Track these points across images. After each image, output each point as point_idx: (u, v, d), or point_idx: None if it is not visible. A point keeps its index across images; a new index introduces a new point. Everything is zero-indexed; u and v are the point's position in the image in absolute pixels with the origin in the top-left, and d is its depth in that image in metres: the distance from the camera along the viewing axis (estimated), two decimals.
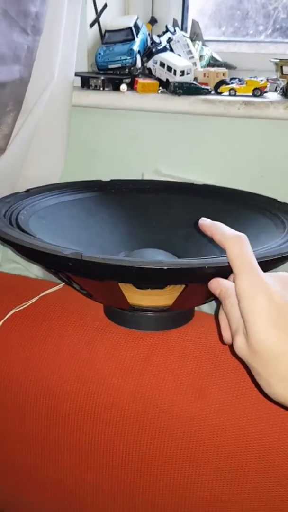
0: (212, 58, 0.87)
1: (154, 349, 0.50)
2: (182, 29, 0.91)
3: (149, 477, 0.49)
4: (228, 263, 0.36)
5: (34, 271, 0.68)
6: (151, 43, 0.81)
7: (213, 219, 0.59)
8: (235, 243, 0.36)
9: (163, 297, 0.50)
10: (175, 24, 0.90)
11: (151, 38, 0.81)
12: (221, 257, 0.43)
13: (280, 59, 0.67)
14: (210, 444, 0.46)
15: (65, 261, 0.40)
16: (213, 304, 0.57)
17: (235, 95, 0.69)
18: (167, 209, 0.63)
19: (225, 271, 0.39)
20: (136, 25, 0.79)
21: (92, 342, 0.52)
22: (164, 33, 0.84)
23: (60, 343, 0.53)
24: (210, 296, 0.48)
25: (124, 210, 0.63)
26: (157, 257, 0.54)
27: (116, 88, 0.73)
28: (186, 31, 0.91)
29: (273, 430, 0.45)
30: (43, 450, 0.54)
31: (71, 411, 0.51)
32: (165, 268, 0.38)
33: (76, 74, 0.74)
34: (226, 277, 0.43)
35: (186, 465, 0.48)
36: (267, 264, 0.41)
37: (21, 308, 0.56)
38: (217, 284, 0.38)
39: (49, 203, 0.59)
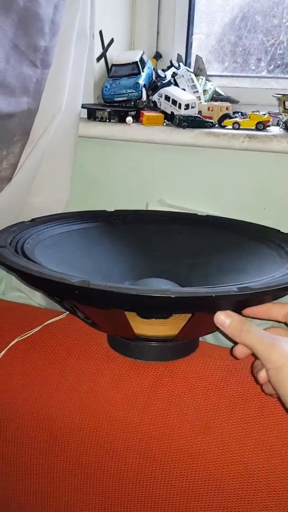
0: (215, 92, 0.89)
1: (159, 380, 0.50)
2: (186, 64, 0.94)
3: None
4: (235, 291, 0.38)
5: (37, 299, 0.68)
6: (156, 77, 0.83)
7: (217, 249, 0.60)
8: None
9: (167, 327, 0.50)
10: (179, 59, 0.93)
11: (156, 72, 0.84)
12: (228, 285, 0.43)
13: (283, 95, 0.69)
14: (215, 480, 0.45)
15: (72, 289, 0.40)
16: (217, 334, 0.57)
17: (238, 128, 0.71)
18: (171, 239, 0.64)
19: (233, 300, 0.39)
20: (141, 60, 0.82)
21: (96, 373, 0.52)
22: (168, 67, 0.86)
23: (63, 373, 0.52)
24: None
25: (128, 240, 0.63)
26: (162, 286, 0.54)
27: (122, 120, 0.75)
28: (189, 66, 0.94)
29: (280, 466, 0.44)
30: (43, 484, 0.53)
31: (73, 444, 0.50)
32: (173, 296, 0.38)
33: (83, 106, 0.76)
34: (233, 307, 0.43)
35: (191, 501, 0.47)
36: (272, 293, 0.42)
37: (25, 337, 0.56)
38: (227, 315, 0.41)
39: (55, 233, 0.59)
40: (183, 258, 0.61)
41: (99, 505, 0.50)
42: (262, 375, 0.41)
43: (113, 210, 0.68)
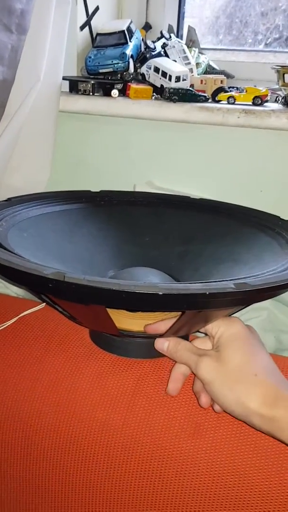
0: (209, 66, 0.85)
1: (144, 378, 0.47)
2: (177, 36, 0.89)
3: None
4: (232, 288, 0.36)
5: (13, 288, 0.64)
6: (145, 48, 0.79)
7: (211, 235, 0.57)
8: None
9: (154, 322, 0.46)
10: (170, 30, 0.88)
11: (145, 43, 0.79)
12: (222, 280, 0.39)
13: (282, 66, 0.65)
14: (206, 487, 0.42)
15: (45, 282, 0.36)
16: None
17: (234, 103, 0.66)
18: (161, 224, 0.60)
19: (229, 297, 0.35)
20: (129, 29, 0.77)
21: (75, 370, 0.48)
22: (158, 39, 0.82)
23: (40, 370, 0.49)
24: (207, 323, 0.44)
25: (114, 224, 0.60)
26: (149, 277, 0.50)
27: (107, 93, 0.70)
28: (181, 38, 0.90)
29: (274, 471, 0.41)
30: (16, 490, 0.49)
31: (49, 447, 0.47)
32: (161, 293, 0.34)
33: (64, 78, 0.71)
34: (228, 304, 0.40)
35: (180, 508, 0.43)
36: (272, 291, 0.38)
37: None
38: (164, 340, 0.44)
39: (32, 214, 0.55)
40: (174, 245, 0.58)
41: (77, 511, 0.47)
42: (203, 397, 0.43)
43: (98, 190, 0.64)
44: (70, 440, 0.46)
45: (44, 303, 0.56)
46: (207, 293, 0.35)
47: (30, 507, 0.49)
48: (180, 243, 0.58)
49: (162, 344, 0.44)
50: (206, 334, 0.44)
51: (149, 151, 0.73)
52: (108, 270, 0.55)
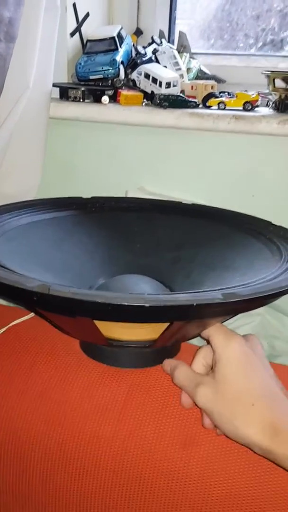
0: (200, 71, 0.85)
1: (135, 389, 0.46)
2: (168, 41, 0.89)
3: None
4: (220, 299, 0.35)
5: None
6: (136, 54, 0.79)
7: (203, 241, 0.56)
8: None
9: (145, 330, 0.46)
10: (161, 35, 0.88)
11: (136, 49, 0.79)
12: (212, 291, 0.39)
13: (272, 71, 0.65)
14: (198, 500, 0.42)
15: (29, 295, 0.35)
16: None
17: (224, 109, 0.66)
18: (153, 230, 0.60)
19: (216, 309, 0.35)
20: (119, 35, 0.77)
21: (65, 381, 0.47)
22: (149, 44, 0.82)
23: (29, 381, 0.48)
24: (198, 332, 0.44)
25: (105, 231, 0.59)
26: (140, 285, 0.50)
27: (97, 100, 0.70)
28: (173, 43, 0.90)
29: (268, 484, 0.41)
30: (6, 502, 0.49)
31: (39, 459, 0.46)
32: (147, 305, 0.34)
33: (54, 85, 0.71)
34: (216, 315, 0.39)
35: None
36: (265, 299, 0.37)
37: None
38: (168, 362, 0.45)
39: (21, 223, 0.55)
40: (166, 251, 0.57)
41: None
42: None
43: (89, 197, 0.64)
44: (60, 452, 0.45)
45: (33, 313, 0.55)
46: (194, 304, 0.34)
47: None
48: (172, 249, 0.57)
49: (166, 367, 0.45)
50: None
51: (141, 157, 0.73)
52: (98, 278, 0.54)
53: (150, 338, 0.45)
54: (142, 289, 0.50)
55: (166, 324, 0.45)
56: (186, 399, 0.43)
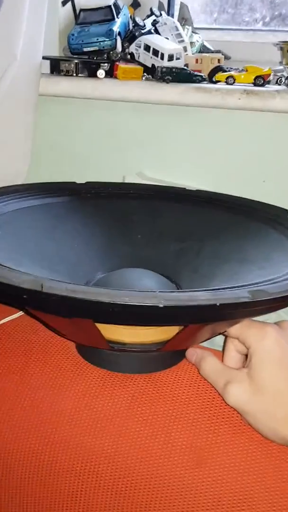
0: (203, 47, 0.80)
1: (139, 397, 0.42)
2: (168, 14, 0.84)
3: None
4: (248, 298, 0.31)
5: None
6: (134, 26, 0.74)
7: (211, 231, 0.52)
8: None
9: (152, 331, 0.41)
10: (160, 7, 0.84)
11: (134, 21, 0.74)
12: (235, 288, 0.34)
13: (286, 42, 0.60)
14: None
15: (18, 293, 0.30)
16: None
17: (233, 84, 0.61)
18: (155, 219, 0.56)
19: (242, 309, 0.30)
20: (116, 4, 0.73)
21: (60, 388, 0.43)
22: (148, 16, 0.78)
23: (19, 388, 0.44)
24: (215, 334, 0.39)
25: (102, 219, 0.55)
26: (144, 280, 0.45)
27: (92, 74, 0.65)
28: (172, 17, 0.85)
29: (286, 506, 0.36)
30: None
31: (30, 477, 0.42)
32: (161, 306, 0.29)
33: (45, 58, 0.66)
34: (241, 316, 0.35)
35: None
36: None
37: None
38: (193, 351, 0.42)
39: (8, 209, 0.50)
40: (170, 243, 0.53)
41: None
42: None
43: (83, 182, 0.60)
44: (53, 469, 0.41)
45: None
46: (218, 304, 0.29)
47: None
48: (177, 240, 0.53)
49: (191, 357, 0.42)
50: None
51: (140, 138, 0.69)
52: (96, 272, 0.49)
53: (157, 340, 0.41)
54: (147, 285, 0.45)
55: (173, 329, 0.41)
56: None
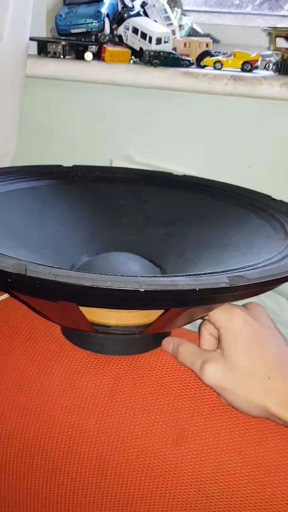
0: (192, 29, 0.80)
1: (122, 378, 0.43)
2: None
3: None
4: (226, 283, 0.32)
5: None
6: (122, 8, 0.73)
7: (196, 216, 0.52)
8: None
9: (134, 314, 0.42)
10: None
11: (122, 2, 0.73)
12: (214, 273, 0.35)
13: (274, 28, 0.60)
14: (191, 498, 0.39)
15: (2, 276, 0.31)
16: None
17: (220, 69, 0.61)
18: (141, 203, 0.56)
19: (221, 294, 0.31)
20: None
21: (44, 369, 0.44)
22: None
23: (4, 369, 0.44)
24: (196, 318, 0.40)
25: (88, 203, 0.55)
26: (128, 264, 0.46)
27: (80, 56, 0.65)
28: None
29: (266, 484, 0.38)
30: None
31: (16, 455, 0.43)
32: (142, 290, 0.30)
33: (32, 39, 0.65)
34: (220, 300, 0.36)
35: None
36: (274, 284, 0.34)
37: None
38: (170, 340, 0.43)
39: None
40: (155, 227, 0.54)
41: None
42: None
43: (70, 165, 0.59)
44: (39, 448, 0.42)
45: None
46: (197, 289, 0.30)
47: None
48: (162, 225, 0.54)
49: (168, 345, 0.43)
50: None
51: (127, 121, 0.68)
52: (81, 255, 0.50)
53: (140, 323, 0.42)
54: (131, 269, 0.46)
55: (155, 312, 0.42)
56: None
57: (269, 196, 0.53)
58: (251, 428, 0.39)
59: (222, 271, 0.35)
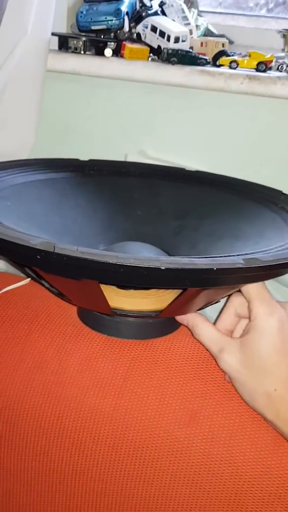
0: (208, 30, 0.80)
1: (137, 361, 0.44)
2: None
3: None
4: (242, 264, 0.33)
5: None
6: (141, 7, 0.74)
7: (208, 210, 0.53)
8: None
9: (149, 300, 0.43)
10: None
11: (141, 1, 0.74)
12: (230, 255, 0.36)
13: None
14: (202, 478, 0.40)
15: (32, 254, 0.32)
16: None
17: (236, 68, 0.62)
18: (155, 197, 0.57)
19: (237, 275, 0.32)
20: None
21: (63, 351, 0.45)
22: None
23: (23, 351, 0.46)
24: (210, 302, 0.41)
25: (104, 196, 0.56)
26: (144, 252, 0.47)
27: (100, 52, 0.66)
28: None
29: (272, 462, 0.39)
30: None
31: (33, 432, 0.44)
32: (163, 268, 0.31)
33: (53, 34, 0.66)
34: (235, 282, 0.37)
35: (171, 502, 0.41)
36: (286, 267, 0.35)
37: None
38: (184, 316, 0.42)
39: (16, 182, 0.51)
40: (168, 220, 0.55)
41: (62, 503, 0.45)
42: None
43: (87, 159, 0.60)
44: (56, 426, 0.43)
45: (29, 278, 0.52)
46: (215, 268, 0.31)
47: (12, 494, 0.47)
48: (175, 217, 0.55)
49: (182, 320, 0.43)
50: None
51: (144, 117, 0.69)
52: (98, 245, 0.51)
53: (154, 308, 0.43)
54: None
55: (172, 295, 0.43)
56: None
57: (280, 191, 0.54)
58: None
59: (238, 255, 0.36)
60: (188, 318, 0.42)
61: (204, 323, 0.41)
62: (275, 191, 0.55)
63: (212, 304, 0.44)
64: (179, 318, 0.43)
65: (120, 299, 0.43)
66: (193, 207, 0.55)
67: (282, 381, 0.37)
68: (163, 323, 0.46)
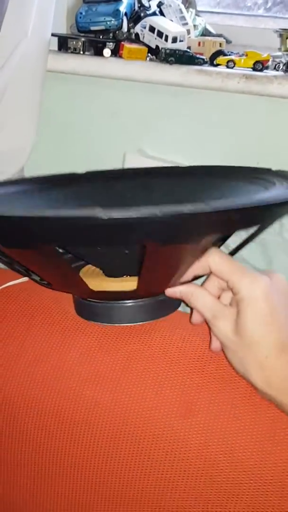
0: (206, 30, 0.81)
1: (135, 354, 0.45)
2: None
3: (123, 508, 0.43)
4: (187, 210, 0.30)
5: None
6: (139, 7, 0.75)
7: (204, 197, 0.53)
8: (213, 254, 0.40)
9: (132, 283, 0.42)
10: None
11: (139, 2, 0.75)
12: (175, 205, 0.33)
13: (285, 29, 0.62)
14: (198, 469, 0.41)
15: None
16: None
17: (233, 68, 0.63)
18: (149, 194, 0.56)
19: (183, 220, 0.30)
20: None
21: (61, 345, 0.46)
22: None
23: (23, 344, 0.47)
24: (182, 265, 0.40)
25: (96, 200, 0.56)
26: None
27: (98, 53, 0.67)
28: None
29: (271, 455, 0.40)
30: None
31: (33, 425, 0.45)
32: (105, 217, 0.28)
33: (53, 35, 0.67)
34: (196, 234, 0.35)
35: (170, 492, 0.42)
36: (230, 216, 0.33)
37: None
38: (176, 288, 0.42)
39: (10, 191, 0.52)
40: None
41: (60, 495, 0.45)
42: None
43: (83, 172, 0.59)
44: (55, 418, 0.44)
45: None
46: (158, 213, 0.28)
47: (11, 487, 0.48)
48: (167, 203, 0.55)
49: (173, 293, 0.42)
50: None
51: (142, 116, 0.70)
52: None
53: (132, 288, 0.42)
54: None
55: None
56: (197, 317, 0.43)
57: (269, 169, 0.52)
58: (256, 401, 0.41)
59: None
60: (180, 289, 0.42)
61: (198, 289, 0.41)
62: (264, 169, 0.53)
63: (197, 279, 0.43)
64: (170, 291, 0.42)
65: (104, 283, 0.43)
66: (188, 196, 0.55)
67: (272, 347, 0.37)
68: (155, 305, 0.45)
